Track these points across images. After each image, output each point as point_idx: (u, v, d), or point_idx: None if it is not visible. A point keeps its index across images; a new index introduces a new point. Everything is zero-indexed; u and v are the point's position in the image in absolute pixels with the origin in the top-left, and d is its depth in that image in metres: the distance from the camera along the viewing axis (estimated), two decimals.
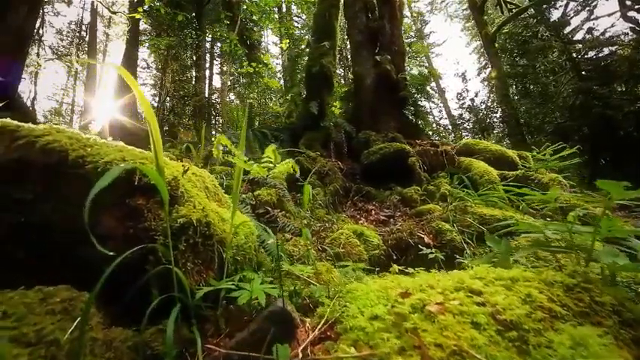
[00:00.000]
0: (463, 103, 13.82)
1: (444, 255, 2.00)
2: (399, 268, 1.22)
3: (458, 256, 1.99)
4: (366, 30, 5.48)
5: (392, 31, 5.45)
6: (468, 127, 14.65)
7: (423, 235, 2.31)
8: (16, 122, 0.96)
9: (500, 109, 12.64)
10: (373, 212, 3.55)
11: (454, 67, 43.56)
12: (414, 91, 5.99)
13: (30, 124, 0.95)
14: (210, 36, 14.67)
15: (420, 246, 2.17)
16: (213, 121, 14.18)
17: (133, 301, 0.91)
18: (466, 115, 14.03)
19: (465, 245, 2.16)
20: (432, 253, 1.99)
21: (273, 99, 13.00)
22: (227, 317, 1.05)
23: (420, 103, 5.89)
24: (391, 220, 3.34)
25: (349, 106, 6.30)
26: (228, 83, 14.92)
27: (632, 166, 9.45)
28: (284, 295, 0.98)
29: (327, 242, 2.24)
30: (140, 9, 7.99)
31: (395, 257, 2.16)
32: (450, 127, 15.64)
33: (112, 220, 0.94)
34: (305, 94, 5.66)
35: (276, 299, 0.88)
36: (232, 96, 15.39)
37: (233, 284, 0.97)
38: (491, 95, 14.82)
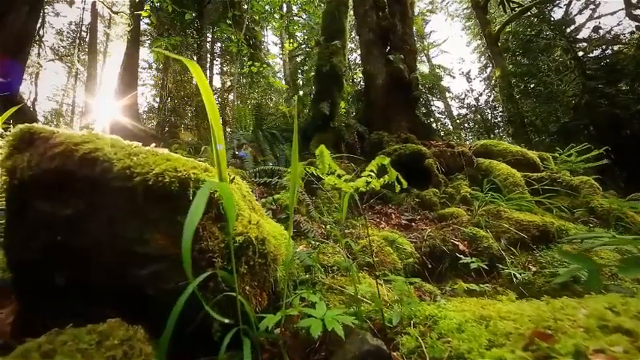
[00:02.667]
0: (467, 103, 13.74)
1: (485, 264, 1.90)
2: (467, 286, 1.10)
3: (500, 266, 1.88)
4: (377, 28, 5.36)
5: (403, 29, 5.34)
6: (470, 126, 14.54)
7: (457, 242, 2.20)
8: (50, 127, 0.84)
9: (505, 109, 12.56)
10: (393, 216, 3.43)
11: (456, 66, 43.53)
12: (424, 90, 5.89)
13: (67, 130, 0.83)
14: (210, 36, 14.53)
15: (456, 254, 2.06)
16: None
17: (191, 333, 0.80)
18: (470, 115, 13.93)
19: (504, 253, 2.05)
20: (472, 262, 1.88)
21: (274, 99, 12.87)
22: (287, 347, 0.94)
23: (431, 102, 5.78)
24: (413, 224, 3.23)
25: (359, 106, 6.19)
26: (229, 83, 14.79)
27: (638, 165, 9.39)
28: (356, 324, 0.87)
29: (358, 249, 2.12)
30: (147, 7, 7.82)
31: (430, 266, 2.05)
32: (451, 126, 15.52)
33: (162, 239, 0.82)
34: (315, 94, 5.54)
35: (354, 330, 0.77)
36: (231, 96, 15.26)
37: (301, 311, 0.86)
38: (493, 94, 14.73)
